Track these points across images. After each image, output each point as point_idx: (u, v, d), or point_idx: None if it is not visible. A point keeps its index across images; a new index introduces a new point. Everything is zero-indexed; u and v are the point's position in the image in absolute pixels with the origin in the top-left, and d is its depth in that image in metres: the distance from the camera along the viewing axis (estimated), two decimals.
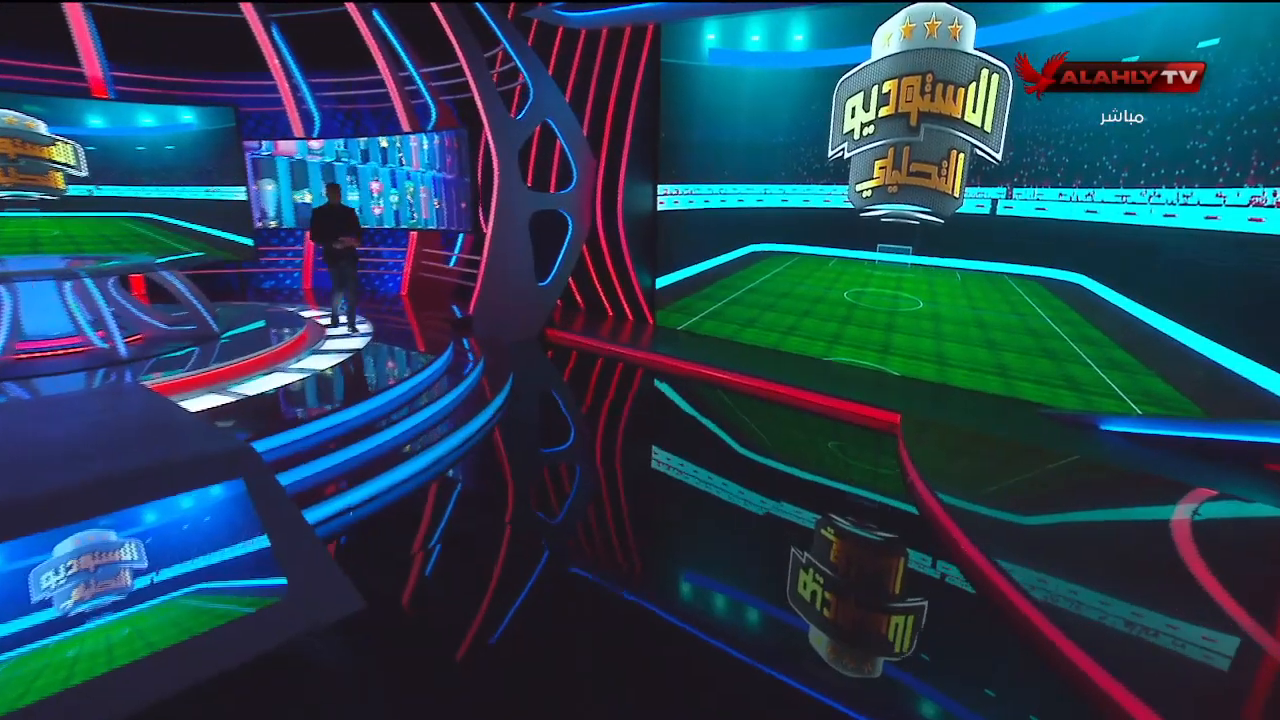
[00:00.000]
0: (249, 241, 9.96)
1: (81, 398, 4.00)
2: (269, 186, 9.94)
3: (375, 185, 10.35)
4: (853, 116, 6.41)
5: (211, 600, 2.91)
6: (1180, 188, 4.87)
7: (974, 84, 5.66)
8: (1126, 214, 5.12)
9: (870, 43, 6.18)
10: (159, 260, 6.87)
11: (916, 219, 6.18)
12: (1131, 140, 5.01)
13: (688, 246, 8.15)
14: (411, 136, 9.16)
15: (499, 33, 7.40)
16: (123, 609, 2.70)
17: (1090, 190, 5.24)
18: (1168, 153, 4.90)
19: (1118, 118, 5.04)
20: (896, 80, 6.04)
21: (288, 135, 10.04)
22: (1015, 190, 5.59)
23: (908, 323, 6.41)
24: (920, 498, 4.17)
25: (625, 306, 8.85)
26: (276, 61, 9.38)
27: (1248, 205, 4.64)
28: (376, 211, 10.45)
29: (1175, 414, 5.01)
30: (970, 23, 5.60)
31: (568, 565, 3.52)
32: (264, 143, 9.67)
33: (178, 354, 5.84)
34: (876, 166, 6.33)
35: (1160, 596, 2.97)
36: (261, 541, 3.07)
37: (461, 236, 10.27)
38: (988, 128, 5.64)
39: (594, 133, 8.32)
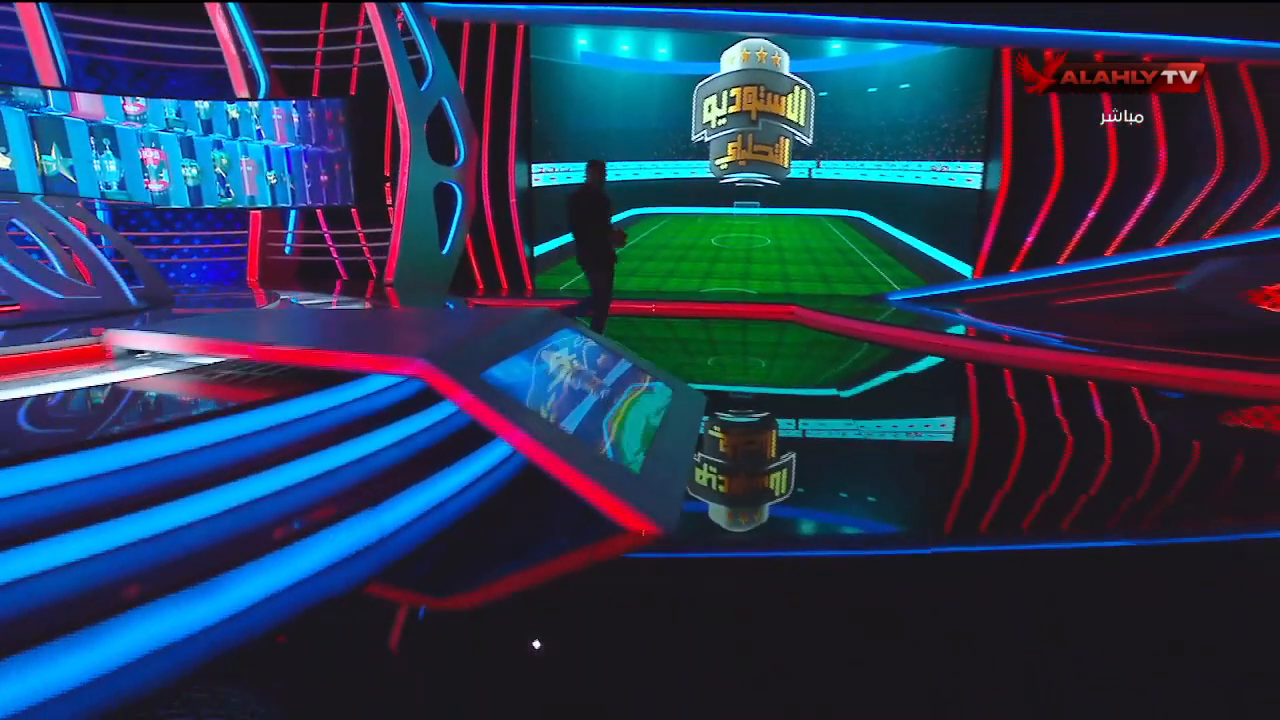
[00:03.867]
0: None
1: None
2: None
3: (151, 154, 8.78)
4: (709, 111, 8.97)
5: (653, 395, 3.74)
6: (905, 160, 8.76)
7: (790, 94, 8.79)
8: (882, 176, 8.84)
9: (718, 60, 8.83)
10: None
11: (761, 183, 9.07)
12: (880, 133, 8.74)
13: (565, 215, 9.56)
14: (275, 106, 8.32)
15: (406, 8, 7.75)
16: (620, 396, 3.41)
17: (863, 161, 8.84)
18: (896, 141, 8.74)
19: (874, 121, 8.72)
20: (740, 88, 8.82)
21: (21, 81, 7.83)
22: (823, 161, 8.91)
23: (760, 255, 9.27)
24: (854, 329, 6.92)
25: (502, 275, 9.73)
26: None
27: (932, 170, 8.73)
28: (154, 188, 8.86)
29: (915, 285, 8.92)
30: (785, 55, 8.71)
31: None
32: (50, 94, 7.46)
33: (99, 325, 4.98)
34: (729, 147, 9.02)
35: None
36: (618, 369, 3.99)
37: (294, 214, 9.49)
38: (802, 122, 8.84)
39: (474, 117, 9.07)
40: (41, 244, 5.42)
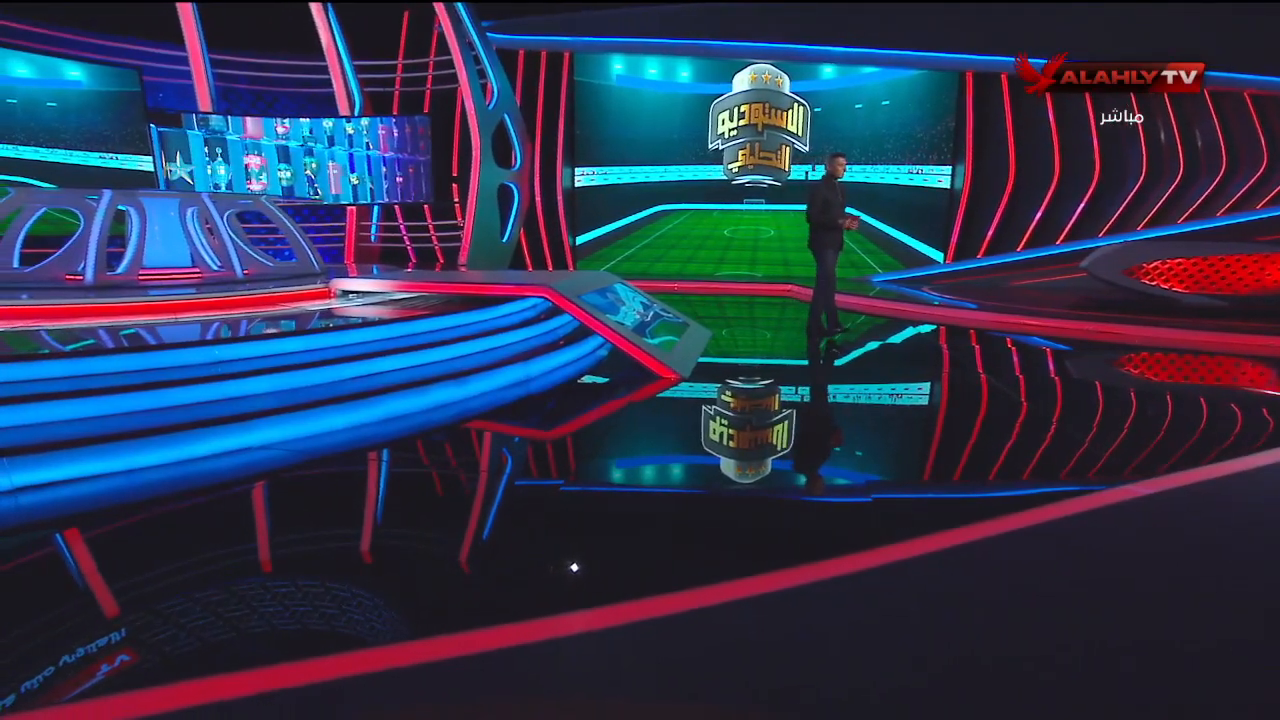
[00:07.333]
0: None
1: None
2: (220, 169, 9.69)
3: (254, 160, 10.73)
4: (724, 124, 10.75)
5: (678, 320, 5.56)
6: (886, 164, 10.47)
7: (791, 110, 10.54)
8: (867, 177, 10.56)
9: (730, 82, 10.61)
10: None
11: (766, 184, 10.83)
12: (865, 141, 10.45)
13: (602, 211, 11.43)
14: (380, 123, 10.27)
15: (475, 37, 9.64)
16: (658, 320, 5.25)
17: (850, 165, 10.54)
18: (878, 148, 10.45)
19: (860, 131, 10.43)
20: (749, 105, 10.59)
21: (188, 109, 9.87)
22: (817, 166, 10.66)
23: (765, 244, 11.03)
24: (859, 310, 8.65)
25: (549, 259, 11.59)
26: (195, 33, 9.43)
27: (908, 172, 10.43)
28: (255, 187, 10.79)
29: (895, 269, 10.62)
30: (787, 77, 10.46)
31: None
32: (230, 120, 9.50)
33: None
34: (740, 154, 10.79)
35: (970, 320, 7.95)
36: (655, 307, 5.80)
37: (378, 209, 11.44)
38: (800, 133, 10.59)
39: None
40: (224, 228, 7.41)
